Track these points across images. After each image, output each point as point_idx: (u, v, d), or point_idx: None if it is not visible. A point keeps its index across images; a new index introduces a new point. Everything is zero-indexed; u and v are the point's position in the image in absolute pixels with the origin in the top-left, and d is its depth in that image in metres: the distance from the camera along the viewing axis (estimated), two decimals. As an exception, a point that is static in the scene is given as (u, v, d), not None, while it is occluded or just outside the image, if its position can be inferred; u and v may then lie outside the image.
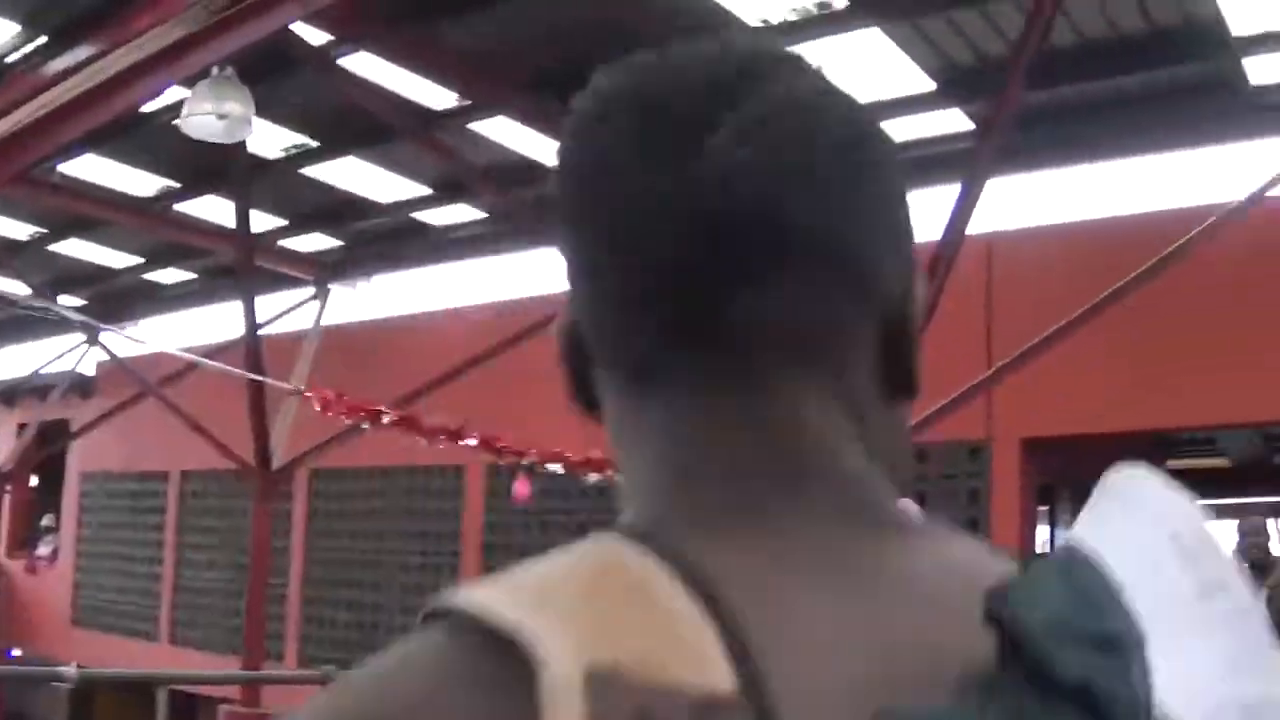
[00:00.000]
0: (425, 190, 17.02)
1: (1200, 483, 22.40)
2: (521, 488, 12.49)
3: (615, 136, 0.96)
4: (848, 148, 0.98)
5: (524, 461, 12.47)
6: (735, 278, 0.93)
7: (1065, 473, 15.89)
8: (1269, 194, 13.08)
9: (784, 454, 0.93)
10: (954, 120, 14.08)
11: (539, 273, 18.38)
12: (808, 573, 0.86)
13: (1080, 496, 16.98)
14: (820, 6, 11.75)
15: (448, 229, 18.62)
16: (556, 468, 12.60)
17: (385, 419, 11.92)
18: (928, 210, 14.22)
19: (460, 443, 12.20)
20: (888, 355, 1.01)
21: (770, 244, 0.93)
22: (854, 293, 0.96)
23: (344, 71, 12.74)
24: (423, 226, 18.64)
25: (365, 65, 12.87)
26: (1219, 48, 12.57)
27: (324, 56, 12.49)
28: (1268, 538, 10.42)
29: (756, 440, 0.94)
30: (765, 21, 11.90)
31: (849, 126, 0.99)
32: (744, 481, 0.92)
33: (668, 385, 0.96)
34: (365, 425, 12.18)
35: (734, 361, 0.95)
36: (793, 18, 11.89)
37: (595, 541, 0.87)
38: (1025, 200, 14.38)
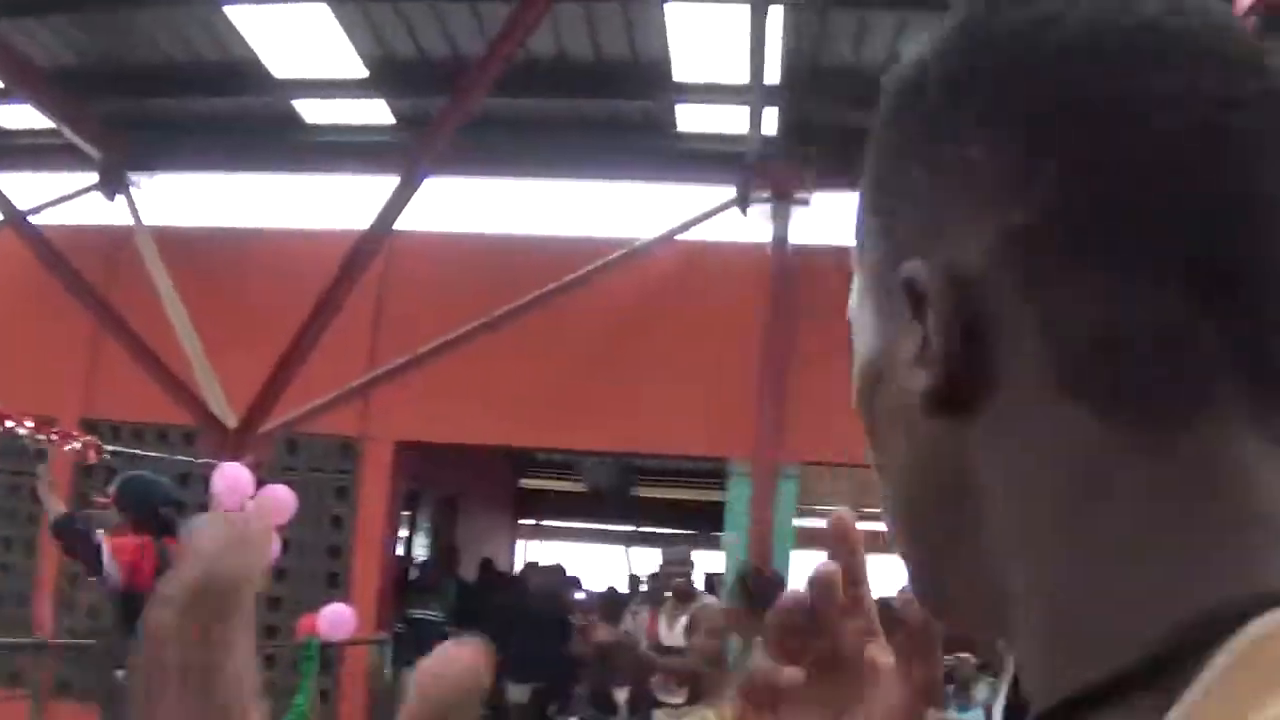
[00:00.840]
0: None
1: (557, 505, 23.24)
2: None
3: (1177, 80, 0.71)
4: None
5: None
6: None
7: (430, 479, 15.94)
8: (679, 236, 13.72)
9: None
10: (376, 111, 13.90)
11: None
12: None
13: (442, 505, 17.12)
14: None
15: None
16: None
17: None
18: (346, 199, 14.13)
19: None
20: None
21: None
22: None
23: None
24: None
25: None
26: (659, 89, 12.96)
27: None
28: (691, 567, 10.59)
29: None
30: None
31: None
32: None
33: (1210, 419, 0.69)
34: None
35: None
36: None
37: None
38: (440, 205, 14.29)
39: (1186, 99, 0.70)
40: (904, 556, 0.82)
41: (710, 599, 9.88)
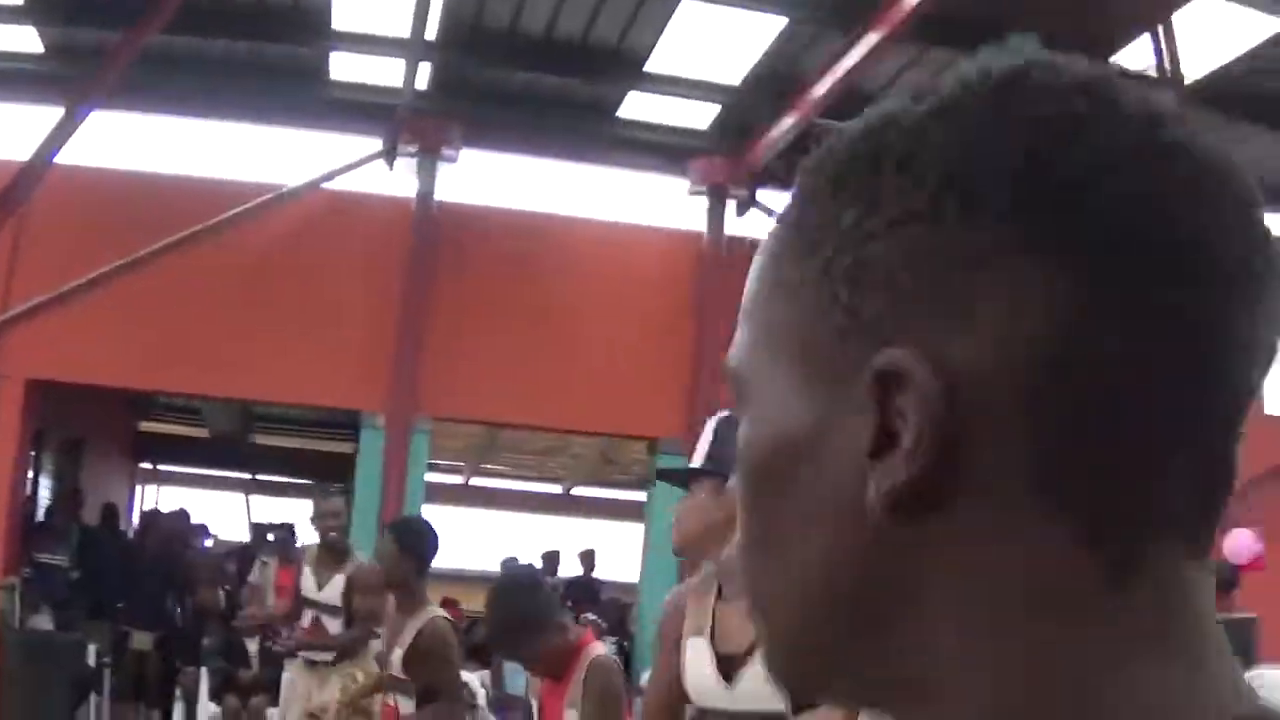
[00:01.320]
0: None
1: (178, 450, 22.73)
2: None
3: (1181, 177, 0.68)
4: None
5: None
6: (1241, 420, 0.71)
7: (55, 419, 15.45)
8: (323, 185, 13.70)
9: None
10: (26, 39, 13.42)
11: None
12: None
13: (66, 446, 16.57)
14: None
15: None
16: None
17: None
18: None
19: None
20: None
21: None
22: None
23: None
24: None
25: None
26: (316, 35, 12.91)
27: None
28: (345, 519, 10.13)
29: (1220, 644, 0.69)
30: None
31: None
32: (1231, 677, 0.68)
33: (1168, 549, 0.68)
34: None
35: (1209, 535, 0.71)
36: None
37: None
38: (85, 139, 13.80)
39: (1231, 261, 0.67)
40: (787, 632, 0.74)
41: (364, 558, 9.49)
